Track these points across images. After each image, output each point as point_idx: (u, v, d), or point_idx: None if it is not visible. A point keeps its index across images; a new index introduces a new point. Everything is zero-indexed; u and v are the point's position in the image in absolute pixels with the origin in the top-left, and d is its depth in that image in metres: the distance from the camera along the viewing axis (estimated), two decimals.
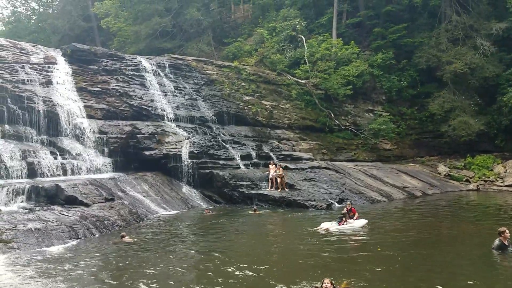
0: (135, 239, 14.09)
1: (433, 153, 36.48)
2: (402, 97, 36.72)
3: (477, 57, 33.03)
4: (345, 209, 16.73)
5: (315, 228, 15.39)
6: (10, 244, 12.38)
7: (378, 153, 34.28)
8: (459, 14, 34.83)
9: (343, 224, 15.54)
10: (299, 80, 33.51)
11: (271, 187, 23.15)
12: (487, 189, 29.97)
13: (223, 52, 38.50)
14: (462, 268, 10.34)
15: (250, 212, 20.09)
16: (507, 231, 11.49)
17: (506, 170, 31.62)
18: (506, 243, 11.36)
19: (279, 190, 22.80)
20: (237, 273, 9.99)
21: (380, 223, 16.76)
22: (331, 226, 15.48)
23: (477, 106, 34.44)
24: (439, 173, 32.69)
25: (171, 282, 9.36)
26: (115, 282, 9.28)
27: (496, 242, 11.48)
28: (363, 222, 16.24)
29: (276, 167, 23.45)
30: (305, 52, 34.24)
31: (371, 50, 37.00)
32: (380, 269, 10.17)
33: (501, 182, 30.36)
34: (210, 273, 10.02)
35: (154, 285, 9.05)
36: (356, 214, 16.82)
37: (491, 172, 31.94)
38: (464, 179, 31.82)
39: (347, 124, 33.84)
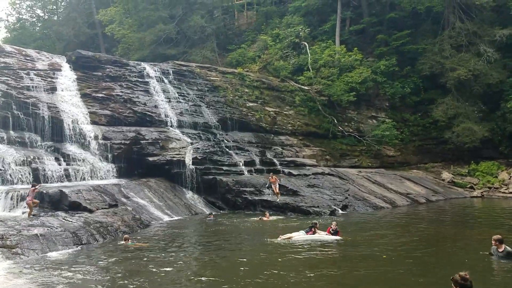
0: (140, 244, 14.11)
1: (437, 160, 36.36)
2: (405, 104, 36.68)
3: (481, 63, 33.00)
4: (332, 224, 15.36)
5: (277, 239, 14.55)
6: (14, 250, 12.39)
7: (381, 160, 34.21)
8: (462, 21, 34.85)
9: (311, 234, 14.74)
10: (303, 87, 33.57)
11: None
12: (491, 196, 29.82)
13: (227, 58, 38.65)
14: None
15: (254, 218, 19.98)
16: (493, 238, 11.42)
17: (510, 177, 31.49)
18: (500, 250, 11.26)
19: (277, 198, 22.86)
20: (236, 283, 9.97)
21: (370, 234, 16.43)
22: (298, 235, 14.70)
23: (481, 112, 34.37)
24: (443, 180, 32.57)
25: None
26: (117, 285, 9.29)
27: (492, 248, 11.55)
28: (336, 238, 14.80)
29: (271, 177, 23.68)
30: (309, 59, 34.33)
31: (375, 56, 37.04)
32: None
33: (506, 189, 30.22)
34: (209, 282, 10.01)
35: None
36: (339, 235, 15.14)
37: (495, 179, 31.80)
38: (468, 186, 31.69)
39: (351, 130, 33.82)
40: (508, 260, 11.08)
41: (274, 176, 23.75)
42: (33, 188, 16.20)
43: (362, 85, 33.69)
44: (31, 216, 15.62)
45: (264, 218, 19.83)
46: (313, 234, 14.81)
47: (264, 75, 34.84)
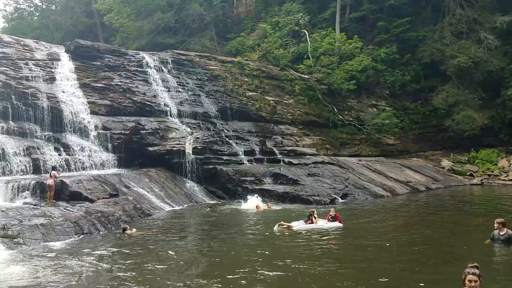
0: (139, 232, 14.22)
1: (437, 148, 36.41)
2: (405, 92, 36.60)
3: (481, 50, 32.85)
4: (330, 211, 15.54)
5: (278, 227, 14.54)
6: (16, 240, 12.47)
7: (381, 148, 34.23)
8: (462, 8, 34.60)
9: (310, 223, 14.78)
10: (303, 75, 33.44)
11: None
12: (491, 183, 29.90)
13: (226, 47, 38.44)
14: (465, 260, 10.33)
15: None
16: (496, 221, 11.54)
17: (510, 164, 31.55)
18: (502, 233, 11.37)
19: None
20: (237, 272, 10.04)
21: (371, 221, 16.49)
22: (297, 224, 14.72)
23: (481, 100, 34.29)
24: (443, 168, 32.64)
25: (173, 277, 9.42)
26: (119, 275, 9.34)
27: (493, 232, 11.63)
28: (337, 224, 14.94)
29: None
30: (308, 47, 34.16)
31: (375, 44, 36.86)
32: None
33: (505, 176, 30.28)
34: (207, 269, 10.09)
35: (156, 279, 9.11)
36: (339, 221, 15.21)
37: (495, 167, 31.85)
38: (468, 174, 31.75)
39: (351, 119, 33.78)
40: (509, 243, 11.23)
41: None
42: (54, 172, 17.11)
43: (362, 73, 33.58)
44: (53, 201, 16.46)
45: (259, 206, 19.72)
46: (312, 223, 14.85)
47: (263, 64, 34.69)
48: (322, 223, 14.98)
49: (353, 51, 34.44)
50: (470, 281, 5.57)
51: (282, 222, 14.83)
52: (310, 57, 33.70)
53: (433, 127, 36.43)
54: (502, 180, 30.02)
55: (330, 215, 15.33)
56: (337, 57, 33.73)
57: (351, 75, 32.99)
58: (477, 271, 5.63)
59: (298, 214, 17.52)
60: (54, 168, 18.15)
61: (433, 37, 35.04)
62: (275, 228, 14.62)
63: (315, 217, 14.99)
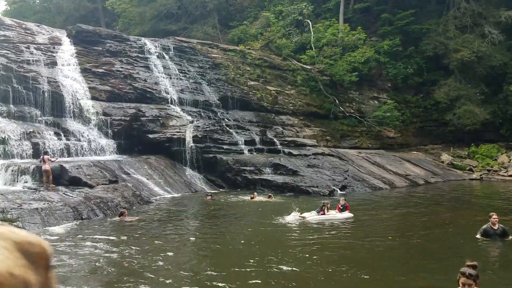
0: (137, 218, 14.30)
1: (437, 142, 36.40)
2: (407, 85, 36.46)
3: (485, 45, 32.67)
4: (340, 200, 15.73)
5: (291, 216, 14.62)
6: (15, 224, 12.51)
7: (382, 141, 34.22)
8: (467, 1, 34.33)
9: (322, 214, 14.89)
10: (305, 66, 33.29)
11: None
12: (490, 178, 29.93)
13: (229, 35, 38.19)
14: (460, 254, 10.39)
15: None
16: (494, 216, 11.57)
17: (510, 160, 31.55)
18: (495, 227, 11.43)
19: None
20: (233, 260, 10.09)
21: (370, 214, 16.52)
22: (310, 215, 14.75)
23: (483, 95, 34.18)
24: (442, 162, 32.65)
25: (171, 264, 9.47)
26: (118, 261, 9.39)
27: (483, 227, 11.62)
28: (348, 215, 15.14)
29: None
30: (311, 37, 33.95)
31: (378, 36, 36.63)
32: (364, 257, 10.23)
33: (505, 172, 30.30)
34: (204, 255, 10.14)
35: (152, 264, 9.16)
36: (348, 210, 15.49)
37: (494, 162, 31.87)
38: (468, 168, 31.78)
39: (352, 111, 33.71)
40: (503, 237, 11.33)
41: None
42: (47, 157, 17.00)
43: (364, 65, 33.42)
44: (53, 185, 16.49)
45: (254, 197, 19.26)
46: (324, 214, 14.98)
47: (266, 53, 34.50)
48: (333, 213, 15.18)
49: (356, 43, 34.24)
50: (463, 284, 4.83)
51: (297, 213, 14.84)
52: (313, 47, 33.52)
53: (434, 121, 36.37)
54: (502, 175, 30.04)
55: (340, 203, 15.47)
56: (340, 48, 33.54)
57: (353, 66, 32.84)
58: (473, 272, 4.90)
59: (298, 204, 17.55)
60: (46, 153, 17.92)
61: (437, 30, 34.82)
62: (289, 217, 14.64)
63: (327, 209, 15.13)
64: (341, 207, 15.36)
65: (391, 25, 36.28)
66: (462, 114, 32.55)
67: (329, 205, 15.24)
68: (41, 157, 17.11)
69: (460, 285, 4.89)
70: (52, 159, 17.45)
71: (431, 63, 35.84)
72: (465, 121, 32.46)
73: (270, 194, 20.23)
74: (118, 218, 14.34)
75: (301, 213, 14.92)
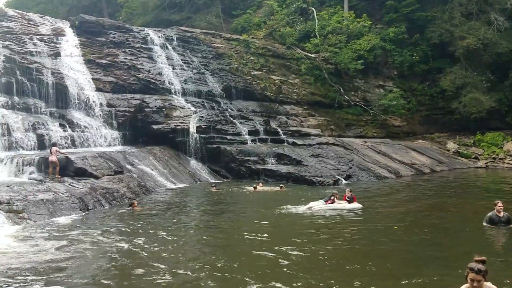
0: (146, 208, 14.39)
1: (443, 130, 36.21)
2: (413, 73, 36.18)
3: (491, 32, 32.29)
4: (346, 192, 15.50)
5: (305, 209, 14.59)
6: (21, 215, 12.57)
7: (387, 130, 34.06)
8: None
9: (330, 203, 14.81)
10: (309, 54, 33.04)
11: None
12: (495, 166, 29.81)
13: (232, 24, 37.95)
14: (466, 244, 10.37)
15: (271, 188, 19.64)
16: (499, 203, 11.58)
17: None
18: (501, 215, 11.44)
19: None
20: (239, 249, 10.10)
21: (375, 203, 16.45)
22: (317, 205, 14.75)
23: (489, 82, 33.89)
24: (448, 150, 32.52)
25: (178, 255, 9.51)
26: (126, 251, 9.43)
27: (488, 214, 11.62)
28: (357, 205, 14.93)
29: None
30: (316, 25, 33.65)
31: (384, 23, 36.27)
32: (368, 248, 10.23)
33: (510, 160, 30.15)
34: (207, 246, 10.17)
35: (162, 254, 9.20)
36: (356, 201, 15.30)
37: (500, 150, 31.69)
38: (473, 156, 31.64)
39: (357, 99, 33.53)
40: (508, 225, 11.37)
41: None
42: (55, 148, 17.10)
43: (370, 53, 33.15)
44: (59, 176, 16.55)
45: (258, 187, 19.31)
46: (332, 203, 14.86)
47: (269, 42, 34.26)
48: (342, 203, 15.02)
49: (362, 30, 33.92)
50: (472, 280, 4.80)
51: (311, 205, 14.70)
52: (318, 35, 33.24)
53: (440, 109, 36.14)
54: (507, 163, 29.89)
55: (347, 195, 15.33)
56: (345, 36, 33.24)
57: (358, 54, 32.58)
58: (482, 268, 4.84)
59: (303, 195, 17.53)
60: (54, 144, 18.18)
61: (443, 18, 34.42)
62: (302, 208, 14.56)
63: (336, 198, 14.99)
64: (348, 199, 15.23)
65: (396, 12, 35.88)
66: (468, 102, 32.32)
67: (337, 195, 15.11)
68: (49, 148, 17.30)
69: (469, 281, 4.83)
70: (62, 151, 17.57)
71: (436, 50, 35.50)
72: (471, 109, 32.23)
73: (281, 185, 19.97)
74: (129, 208, 14.44)
75: (307, 203, 14.90)
